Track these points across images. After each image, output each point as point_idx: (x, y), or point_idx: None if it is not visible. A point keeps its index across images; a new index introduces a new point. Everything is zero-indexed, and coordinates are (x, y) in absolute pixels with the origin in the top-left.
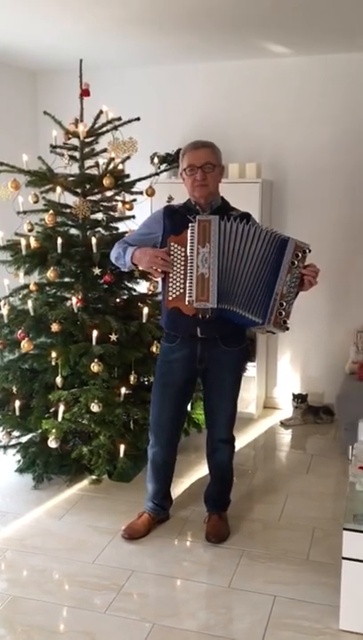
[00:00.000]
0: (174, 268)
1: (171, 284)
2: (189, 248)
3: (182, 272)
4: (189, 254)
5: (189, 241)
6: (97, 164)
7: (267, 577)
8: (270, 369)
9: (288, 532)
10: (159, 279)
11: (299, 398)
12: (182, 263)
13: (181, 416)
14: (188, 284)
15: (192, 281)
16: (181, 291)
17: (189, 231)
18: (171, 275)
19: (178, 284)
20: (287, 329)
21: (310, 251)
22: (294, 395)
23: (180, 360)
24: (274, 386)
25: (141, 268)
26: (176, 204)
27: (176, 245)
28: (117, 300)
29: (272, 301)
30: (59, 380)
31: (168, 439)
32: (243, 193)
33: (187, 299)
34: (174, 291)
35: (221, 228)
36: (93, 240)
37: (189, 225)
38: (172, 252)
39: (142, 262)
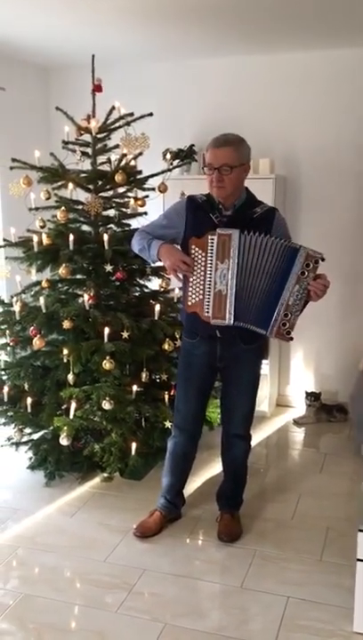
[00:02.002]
0: (195, 272)
1: (191, 289)
2: (208, 261)
3: (202, 277)
4: (208, 267)
5: (208, 253)
6: (109, 161)
7: (280, 577)
8: (283, 367)
9: (301, 531)
10: (181, 277)
11: (312, 396)
12: (202, 268)
13: (203, 411)
14: (205, 300)
15: (210, 297)
16: (200, 297)
17: (209, 242)
18: (191, 279)
19: (198, 289)
20: (291, 339)
21: (323, 260)
22: (307, 393)
23: (200, 357)
24: (287, 384)
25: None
26: (199, 195)
27: (197, 249)
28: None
29: (276, 312)
30: (70, 377)
31: (190, 431)
32: (256, 189)
33: (204, 314)
34: (194, 296)
35: (241, 243)
36: (105, 237)
37: (209, 236)
38: (193, 255)
39: (166, 262)
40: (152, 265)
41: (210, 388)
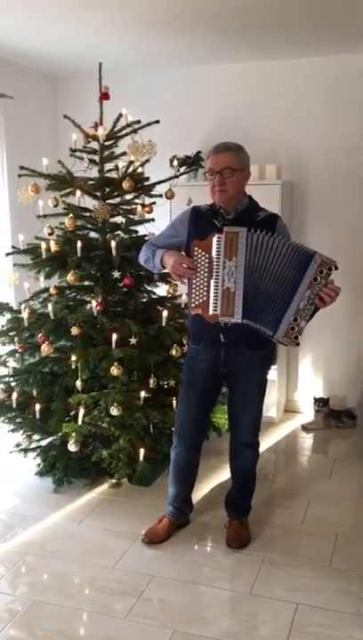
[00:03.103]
0: (198, 274)
1: (194, 291)
2: (214, 260)
3: (206, 279)
4: (214, 266)
5: (214, 251)
6: (116, 168)
7: (289, 584)
8: (291, 372)
9: (310, 537)
10: (185, 281)
11: (320, 402)
12: (206, 269)
13: (206, 418)
14: (212, 297)
15: (217, 294)
16: (205, 299)
17: (215, 241)
18: (194, 281)
19: (201, 291)
20: (298, 344)
21: (336, 268)
22: (315, 398)
23: (204, 362)
24: (295, 389)
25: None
26: (203, 205)
27: (200, 251)
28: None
29: (286, 315)
30: (78, 383)
31: (192, 441)
32: (263, 195)
33: (211, 312)
34: (198, 298)
35: (248, 241)
36: (113, 243)
37: (216, 235)
38: (196, 258)
39: (168, 266)
40: (158, 272)
41: (213, 395)
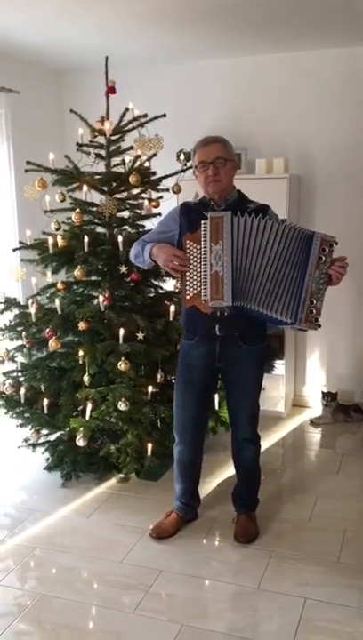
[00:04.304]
0: (191, 267)
1: (188, 283)
2: (202, 245)
3: (199, 270)
4: (202, 252)
5: (201, 238)
6: (123, 162)
7: (297, 578)
8: (299, 367)
9: (318, 532)
10: (179, 275)
11: (329, 396)
12: (198, 261)
13: (205, 414)
14: (202, 286)
15: (206, 279)
16: (199, 289)
17: (201, 228)
18: (188, 273)
19: (195, 282)
20: (319, 326)
21: (336, 243)
22: (323, 393)
23: (199, 358)
24: (303, 384)
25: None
26: (193, 200)
27: (191, 243)
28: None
29: (302, 300)
30: (86, 378)
31: (192, 437)
32: (271, 188)
33: (202, 297)
34: (192, 289)
35: (233, 224)
36: (120, 238)
37: (202, 222)
38: (188, 250)
39: (159, 259)
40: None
41: (211, 391)
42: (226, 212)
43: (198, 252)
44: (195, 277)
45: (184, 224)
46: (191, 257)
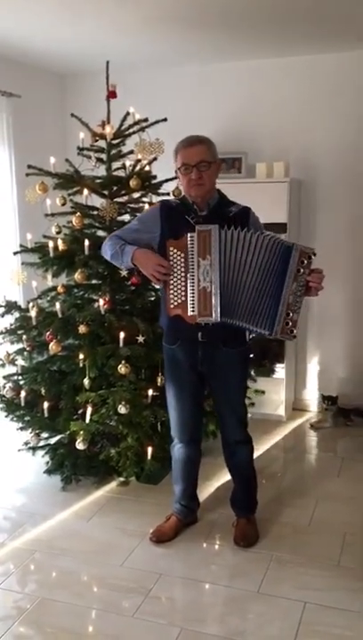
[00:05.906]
0: (175, 275)
1: (172, 292)
2: (189, 259)
3: (183, 279)
4: (189, 266)
5: (188, 251)
6: (124, 166)
7: (297, 582)
8: (300, 370)
9: (319, 536)
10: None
11: (329, 400)
12: (182, 269)
13: (199, 412)
14: (189, 298)
15: (194, 295)
16: (183, 299)
17: (188, 240)
18: (171, 282)
19: (179, 291)
20: (295, 337)
21: (315, 255)
22: (323, 396)
23: (183, 362)
24: (303, 388)
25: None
26: (173, 199)
27: (176, 251)
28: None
29: (279, 312)
30: (86, 381)
31: (190, 436)
32: (271, 193)
33: (189, 313)
34: (176, 299)
35: (221, 238)
36: None
37: (189, 235)
38: (171, 258)
39: (144, 267)
40: (125, 271)
41: (202, 389)
42: (213, 226)
43: (183, 261)
44: (179, 287)
45: (166, 229)
46: (175, 265)
